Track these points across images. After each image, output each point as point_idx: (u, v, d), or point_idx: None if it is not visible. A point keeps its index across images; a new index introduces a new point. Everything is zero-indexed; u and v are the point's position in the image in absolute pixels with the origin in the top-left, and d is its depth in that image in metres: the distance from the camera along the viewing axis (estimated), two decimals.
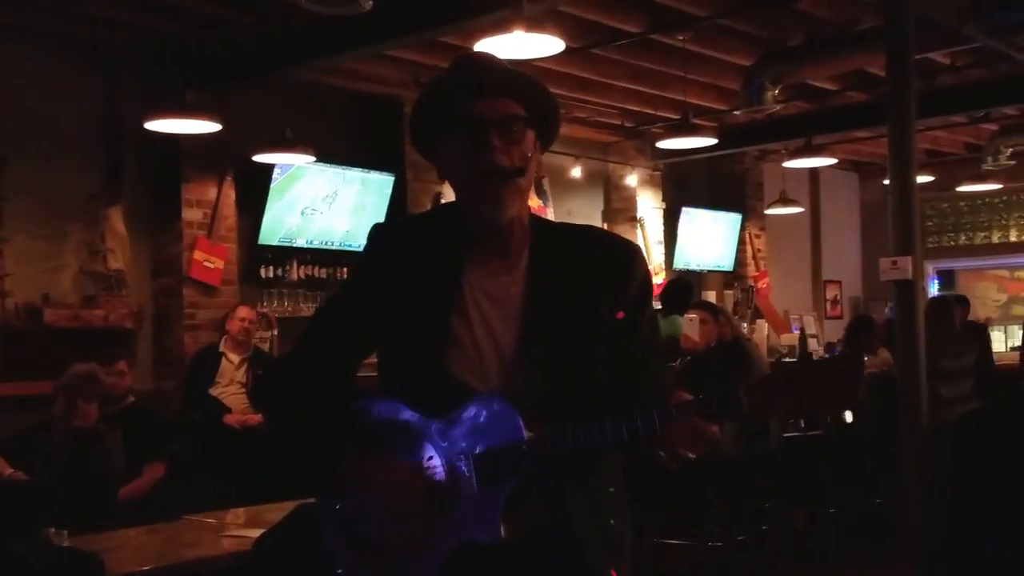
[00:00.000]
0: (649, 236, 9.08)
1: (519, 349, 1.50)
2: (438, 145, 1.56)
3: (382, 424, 1.49)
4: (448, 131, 1.52)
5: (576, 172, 8.55)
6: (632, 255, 1.59)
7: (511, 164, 1.50)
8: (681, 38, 6.38)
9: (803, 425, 5.95)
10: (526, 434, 1.44)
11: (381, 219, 7.30)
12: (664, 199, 9.49)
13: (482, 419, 1.45)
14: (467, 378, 1.49)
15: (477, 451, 1.45)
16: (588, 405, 1.48)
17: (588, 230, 1.65)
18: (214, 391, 5.86)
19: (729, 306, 9.01)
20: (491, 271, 1.55)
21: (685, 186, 9.97)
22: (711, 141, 7.08)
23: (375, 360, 1.66)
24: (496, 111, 1.50)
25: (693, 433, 1.40)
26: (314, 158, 6.33)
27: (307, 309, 6.93)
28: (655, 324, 1.62)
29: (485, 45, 4.70)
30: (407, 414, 1.49)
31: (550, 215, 7.98)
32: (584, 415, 1.45)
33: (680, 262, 9.46)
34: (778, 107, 6.84)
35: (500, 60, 1.58)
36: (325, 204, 6.99)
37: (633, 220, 9.09)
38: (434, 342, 1.50)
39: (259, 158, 6.26)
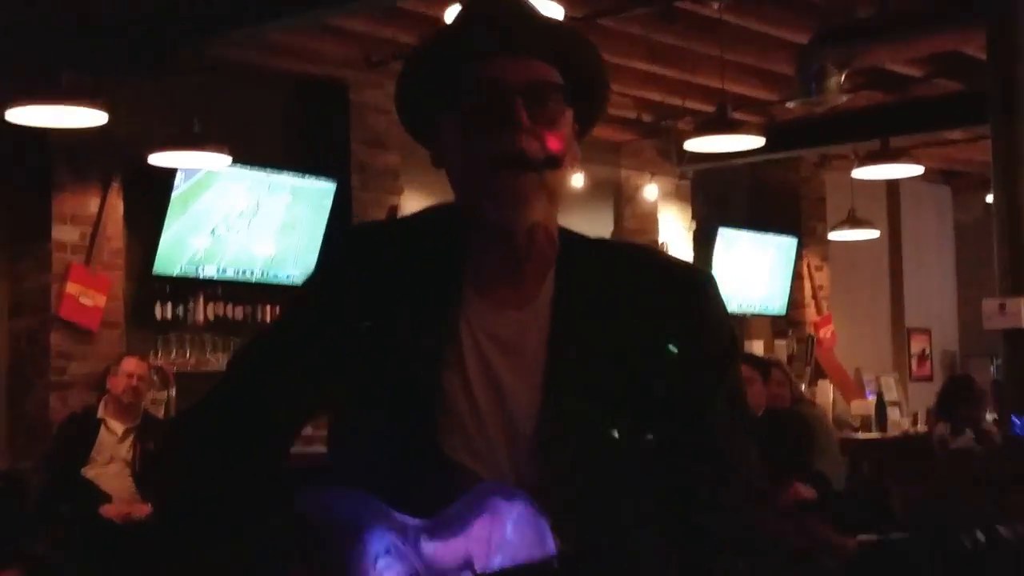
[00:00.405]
0: None
1: (541, 421, 1.42)
2: (435, 120, 1.49)
3: (335, 527, 1.35)
4: (453, 101, 1.46)
5: (578, 181, 8.57)
6: (705, 289, 1.52)
7: (541, 151, 1.43)
8: (716, 6, 6.42)
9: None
10: (555, 546, 1.33)
11: (317, 239, 7.29)
12: (694, 217, 9.52)
13: (489, 523, 1.34)
14: (465, 460, 1.42)
15: (482, 571, 1.33)
16: (643, 506, 1.41)
17: (640, 251, 1.60)
18: (89, 472, 5.78)
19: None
20: (500, 303, 1.47)
21: (722, 201, 9.99)
22: (756, 142, 7.11)
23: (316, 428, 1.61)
24: (525, 75, 1.44)
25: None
26: (230, 159, 6.31)
27: (217, 361, 6.85)
28: (739, 392, 1.55)
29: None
30: (373, 512, 1.35)
31: None
32: (637, 520, 1.39)
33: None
34: (844, 98, 6.88)
35: (531, 3, 1.51)
36: (243, 221, 6.96)
37: (653, 245, 9.10)
38: (416, 406, 1.42)
39: (156, 159, 6.23)
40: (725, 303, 1.54)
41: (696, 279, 1.53)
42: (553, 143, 1.44)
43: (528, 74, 1.44)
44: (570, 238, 1.52)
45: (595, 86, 1.52)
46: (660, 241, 9.20)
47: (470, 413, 1.43)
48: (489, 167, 1.43)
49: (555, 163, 1.44)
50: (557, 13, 4.98)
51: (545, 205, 1.45)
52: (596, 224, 9.11)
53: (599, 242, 1.57)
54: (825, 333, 10.26)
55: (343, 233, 1.64)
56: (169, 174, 6.56)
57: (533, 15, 1.48)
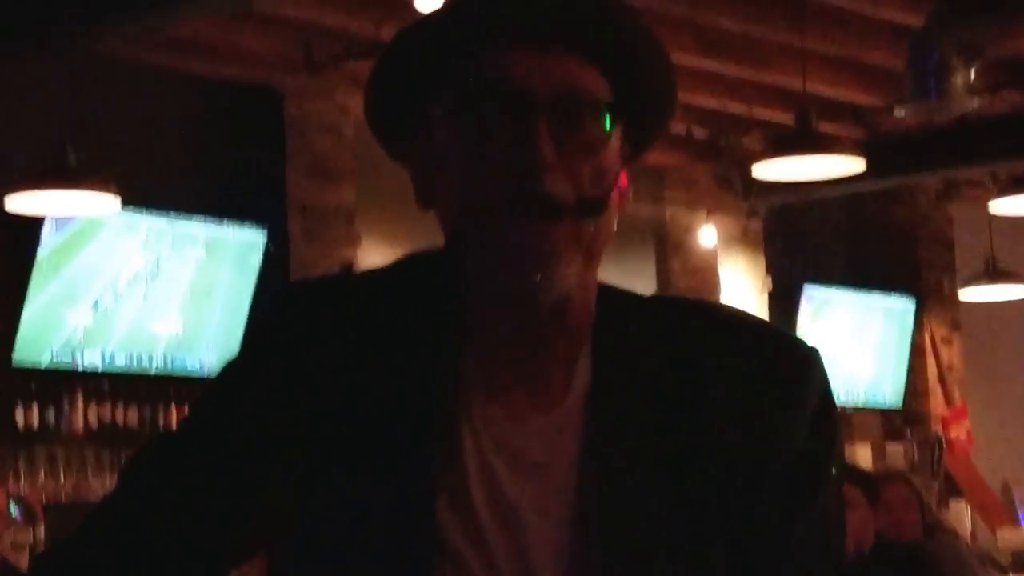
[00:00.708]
0: None
1: (573, 566, 1.41)
2: (423, 136, 1.47)
3: None
4: (446, 111, 1.43)
5: None
6: (802, 372, 1.49)
7: (572, 194, 1.40)
8: None
9: None
10: None
11: (242, 310, 7.24)
12: (769, 271, 9.57)
13: None
14: None
15: None
16: None
17: (712, 314, 1.58)
18: None
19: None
20: (517, 403, 1.45)
21: (808, 248, 10.04)
22: (853, 165, 7.10)
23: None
24: (554, 81, 1.39)
25: None
26: (119, 201, 6.31)
27: (103, 486, 6.83)
28: (833, 519, 1.54)
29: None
30: None
31: None
32: None
33: None
34: (976, 102, 6.89)
35: None
36: (138, 287, 6.99)
37: (726, 305, 9.09)
38: (403, 553, 1.39)
39: (16, 203, 6.25)
40: (829, 386, 1.50)
41: (796, 357, 1.50)
42: (590, 182, 1.41)
43: (558, 80, 1.39)
44: (611, 300, 1.50)
45: (656, 98, 1.50)
46: (723, 303, 9.18)
47: (480, 564, 1.40)
48: (499, 211, 1.39)
49: (594, 209, 1.42)
50: None
51: (580, 268, 1.42)
52: (634, 277, 9.08)
53: (651, 303, 1.56)
54: (958, 432, 10.18)
55: (280, 294, 1.56)
56: (34, 224, 6.58)
57: None
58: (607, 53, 1.43)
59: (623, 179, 1.48)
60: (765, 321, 1.65)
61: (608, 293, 1.50)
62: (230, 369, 1.54)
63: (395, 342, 1.45)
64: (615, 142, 1.44)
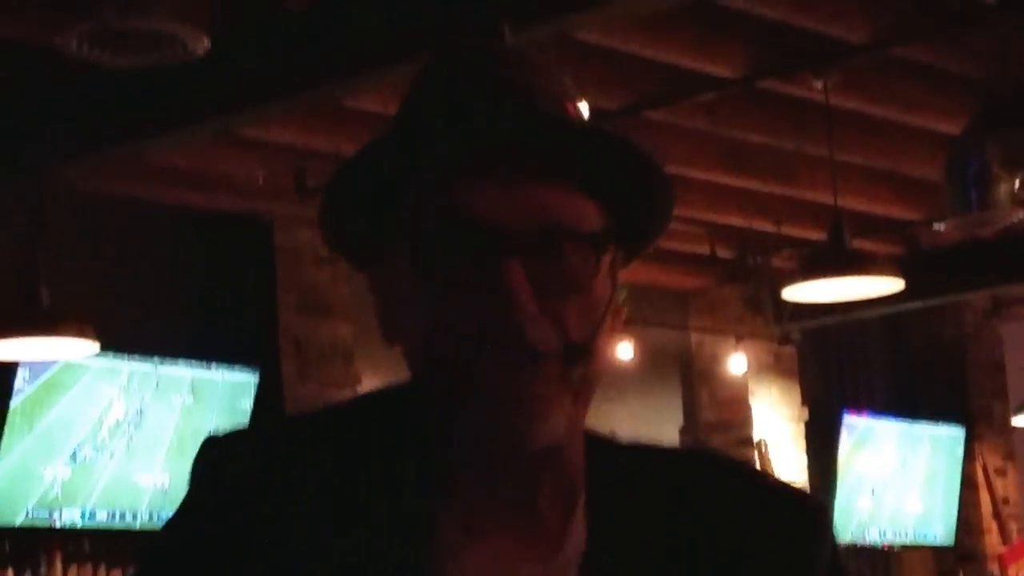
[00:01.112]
0: (779, 473, 9.03)
1: None
2: (385, 263, 1.43)
3: None
4: (405, 244, 1.37)
5: (627, 351, 8.55)
6: (811, 529, 1.48)
7: (556, 341, 1.35)
8: (820, 84, 6.51)
9: None
10: None
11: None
12: (805, 401, 9.50)
13: None
14: None
15: None
16: None
17: (711, 468, 1.55)
18: None
19: None
20: (508, 553, 1.43)
21: (847, 374, 9.98)
22: (892, 284, 7.09)
23: None
24: (527, 214, 1.33)
25: None
26: (97, 345, 6.29)
27: None
28: None
29: None
30: None
31: None
32: None
33: (847, 526, 9.39)
34: (1022, 213, 6.90)
35: (542, 66, 1.44)
36: (120, 437, 6.97)
37: (747, 444, 9.04)
38: None
39: None
40: (839, 551, 1.52)
41: (805, 516, 1.49)
42: (577, 321, 1.36)
43: (534, 213, 1.33)
44: (604, 450, 1.47)
45: (651, 213, 1.46)
46: (756, 438, 9.14)
47: None
48: (473, 362, 1.33)
49: (582, 356, 1.36)
50: (582, 110, 5.04)
51: (568, 413, 1.37)
52: (658, 413, 9.06)
53: (651, 451, 1.54)
54: (1017, 571, 10.11)
55: (214, 443, 1.46)
56: (5, 372, 6.58)
57: (547, 95, 1.40)
58: (593, 180, 1.37)
59: (617, 303, 1.42)
60: (769, 474, 1.66)
61: (599, 442, 1.47)
62: (163, 536, 1.48)
63: (364, 487, 1.42)
64: (603, 271, 1.38)
